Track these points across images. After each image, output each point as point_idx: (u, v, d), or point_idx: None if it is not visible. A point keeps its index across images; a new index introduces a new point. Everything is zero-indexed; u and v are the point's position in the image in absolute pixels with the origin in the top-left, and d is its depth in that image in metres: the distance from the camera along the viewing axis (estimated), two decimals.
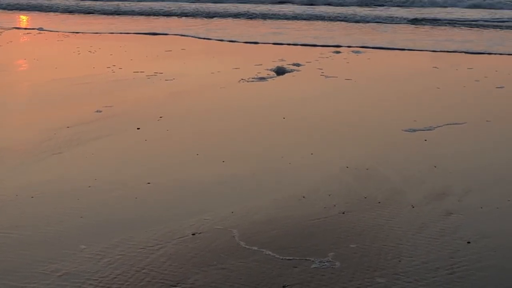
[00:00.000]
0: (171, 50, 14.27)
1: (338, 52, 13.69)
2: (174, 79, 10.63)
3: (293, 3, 22.79)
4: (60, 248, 4.55)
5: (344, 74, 11.04)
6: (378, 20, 19.01)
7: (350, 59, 12.89)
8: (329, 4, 21.89)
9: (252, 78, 10.58)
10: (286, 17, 19.81)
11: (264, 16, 19.94)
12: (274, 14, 20.20)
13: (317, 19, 19.28)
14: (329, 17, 19.47)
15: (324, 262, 4.34)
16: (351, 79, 10.60)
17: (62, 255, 4.44)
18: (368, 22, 18.86)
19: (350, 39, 15.57)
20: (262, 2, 22.89)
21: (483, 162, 6.48)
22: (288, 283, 4.10)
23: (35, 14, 23.20)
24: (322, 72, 11.19)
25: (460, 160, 6.51)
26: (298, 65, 11.86)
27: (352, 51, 13.84)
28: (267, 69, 11.35)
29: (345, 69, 11.73)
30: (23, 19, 21.85)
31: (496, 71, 11.44)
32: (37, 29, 18.32)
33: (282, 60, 12.41)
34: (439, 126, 7.58)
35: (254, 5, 22.21)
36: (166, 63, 12.36)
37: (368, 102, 9.00)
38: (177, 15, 21.06)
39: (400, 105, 8.96)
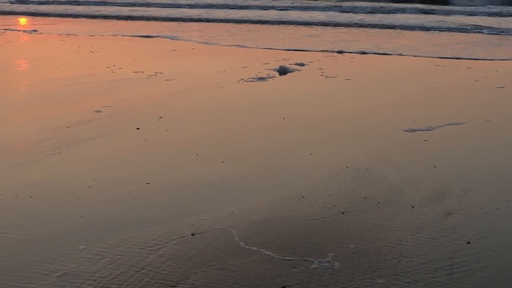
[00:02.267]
0: (176, 50, 14.31)
1: (341, 52, 13.69)
2: (174, 79, 10.63)
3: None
4: (59, 248, 4.54)
5: (345, 74, 11.04)
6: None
7: (352, 59, 12.90)
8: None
9: (252, 78, 10.59)
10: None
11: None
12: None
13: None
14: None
15: (323, 263, 4.34)
16: (351, 79, 10.61)
17: (61, 255, 4.44)
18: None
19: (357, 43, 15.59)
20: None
21: (483, 162, 6.48)
22: (287, 283, 4.09)
23: (27, 17, 23.17)
24: (323, 72, 11.20)
25: (459, 160, 6.51)
26: (302, 64, 11.89)
27: (356, 52, 13.85)
28: (270, 69, 11.36)
29: (346, 69, 11.73)
30: (16, 21, 21.78)
31: (496, 71, 11.44)
32: (32, 31, 18.29)
33: (285, 59, 12.43)
34: (439, 126, 7.58)
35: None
36: (166, 64, 12.36)
37: (368, 102, 9.00)
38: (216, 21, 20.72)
39: (400, 105, 8.96)
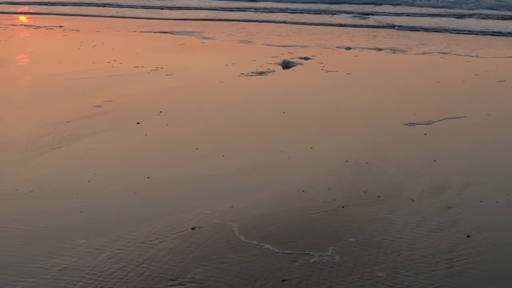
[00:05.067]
0: (183, 44, 14.31)
1: (348, 48, 13.67)
2: (174, 73, 10.63)
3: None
4: (59, 243, 4.55)
5: (345, 68, 11.03)
6: None
7: (356, 54, 12.89)
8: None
9: (252, 73, 10.58)
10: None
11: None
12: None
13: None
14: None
15: (323, 256, 4.34)
16: (351, 74, 10.60)
17: (62, 250, 4.45)
18: None
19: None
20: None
21: (482, 156, 6.48)
22: (287, 277, 4.10)
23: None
24: (323, 67, 11.19)
25: (459, 154, 6.51)
26: (306, 58, 11.93)
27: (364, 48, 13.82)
28: (272, 63, 11.39)
29: (347, 63, 11.72)
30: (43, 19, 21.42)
31: (496, 65, 11.43)
32: (58, 26, 18.12)
33: (290, 53, 12.46)
34: (439, 120, 7.58)
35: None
36: (169, 58, 12.35)
37: (368, 96, 8.99)
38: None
39: (400, 99, 8.95)
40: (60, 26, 18.03)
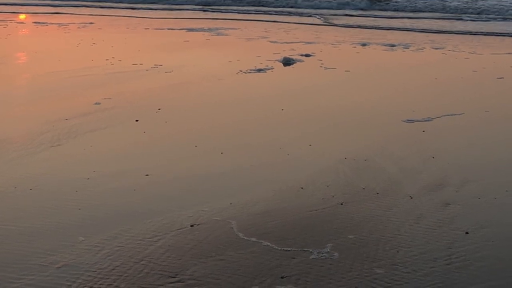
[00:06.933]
0: (188, 41, 14.29)
1: (364, 44, 13.66)
2: (173, 71, 10.62)
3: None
4: (58, 240, 4.55)
5: (344, 65, 11.03)
6: None
7: (358, 51, 12.89)
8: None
9: (250, 70, 10.58)
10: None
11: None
12: None
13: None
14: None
15: (322, 253, 4.35)
16: (349, 71, 10.60)
17: (61, 247, 4.45)
18: None
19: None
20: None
21: (481, 153, 6.49)
22: (286, 274, 4.11)
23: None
24: (322, 64, 11.20)
25: (458, 151, 6.51)
26: (307, 55, 11.94)
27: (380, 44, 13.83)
28: (272, 60, 11.39)
29: (347, 60, 11.72)
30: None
31: (494, 62, 11.44)
32: (89, 23, 18.08)
33: (292, 49, 12.47)
34: (438, 117, 7.59)
35: None
36: (168, 56, 12.34)
37: (367, 93, 9.00)
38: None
39: (399, 96, 8.96)
40: (91, 23, 18.05)
